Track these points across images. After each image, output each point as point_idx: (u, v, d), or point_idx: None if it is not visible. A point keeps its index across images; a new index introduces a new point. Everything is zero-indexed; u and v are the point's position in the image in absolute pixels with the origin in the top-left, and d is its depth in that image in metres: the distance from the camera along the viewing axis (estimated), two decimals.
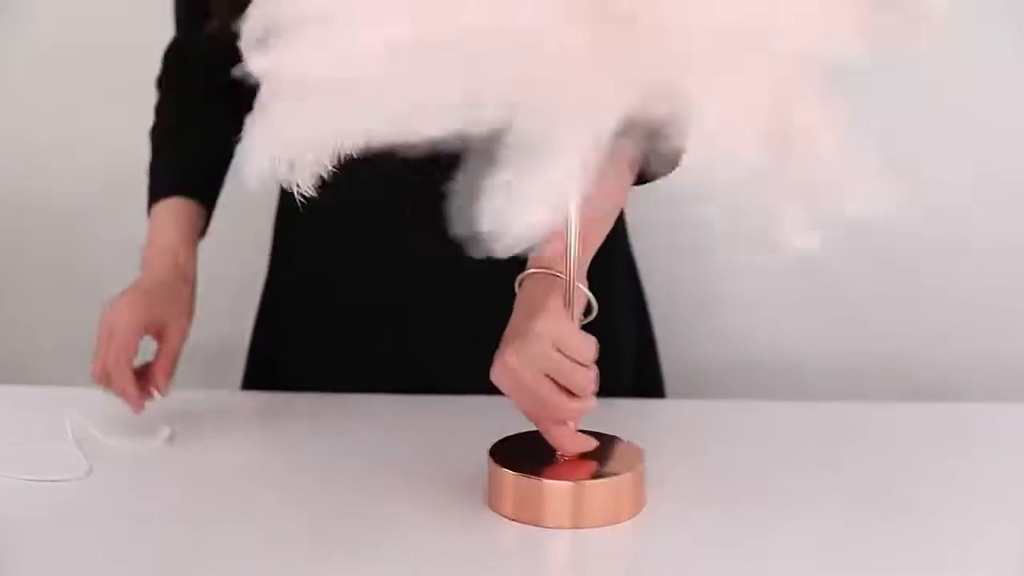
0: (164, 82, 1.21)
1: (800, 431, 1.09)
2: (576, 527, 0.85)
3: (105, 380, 1.03)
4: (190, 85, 1.18)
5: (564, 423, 0.86)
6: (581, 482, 0.85)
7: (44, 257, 1.62)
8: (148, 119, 1.20)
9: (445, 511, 0.88)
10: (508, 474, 0.86)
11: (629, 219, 1.23)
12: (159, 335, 1.06)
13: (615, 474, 0.86)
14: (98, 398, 1.04)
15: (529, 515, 0.85)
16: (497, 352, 0.86)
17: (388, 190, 1.06)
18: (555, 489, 0.85)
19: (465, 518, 0.87)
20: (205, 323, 1.13)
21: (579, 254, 0.87)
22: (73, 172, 1.57)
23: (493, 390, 0.86)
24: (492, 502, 0.88)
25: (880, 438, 1.07)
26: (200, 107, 1.16)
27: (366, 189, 1.04)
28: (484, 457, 0.89)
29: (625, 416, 1.08)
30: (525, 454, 0.88)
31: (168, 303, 1.07)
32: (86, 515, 0.89)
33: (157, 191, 1.14)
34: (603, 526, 0.85)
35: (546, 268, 0.88)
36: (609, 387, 1.14)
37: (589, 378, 0.84)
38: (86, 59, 1.53)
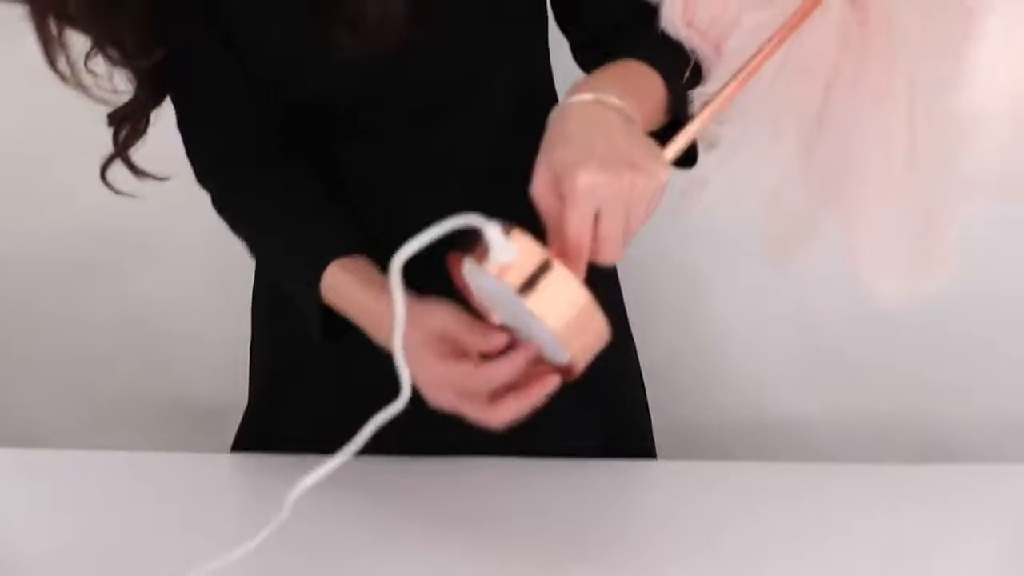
0: (232, 197, 1.11)
1: (798, 492, 1.08)
2: (525, 291, 0.77)
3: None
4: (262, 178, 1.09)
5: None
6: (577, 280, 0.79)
7: (36, 315, 1.62)
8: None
9: None
10: (530, 243, 0.78)
11: (626, 284, 1.24)
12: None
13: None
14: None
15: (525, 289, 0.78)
16: (599, 159, 0.79)
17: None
18: (563, 273, 0.78)
19: None
20: (197, 382, 1.13)
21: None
22: (73, 230, 1.58)
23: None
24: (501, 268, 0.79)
25: (882, 500, 1.06)
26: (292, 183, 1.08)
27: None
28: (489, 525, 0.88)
29: (615, 477, 1.08)
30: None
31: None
32: None
33: (312, 270, 1.01)
34: (546, 323, 0.78)
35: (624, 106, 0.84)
36: (612, 446, 1.15)
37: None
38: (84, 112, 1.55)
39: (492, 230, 0.77)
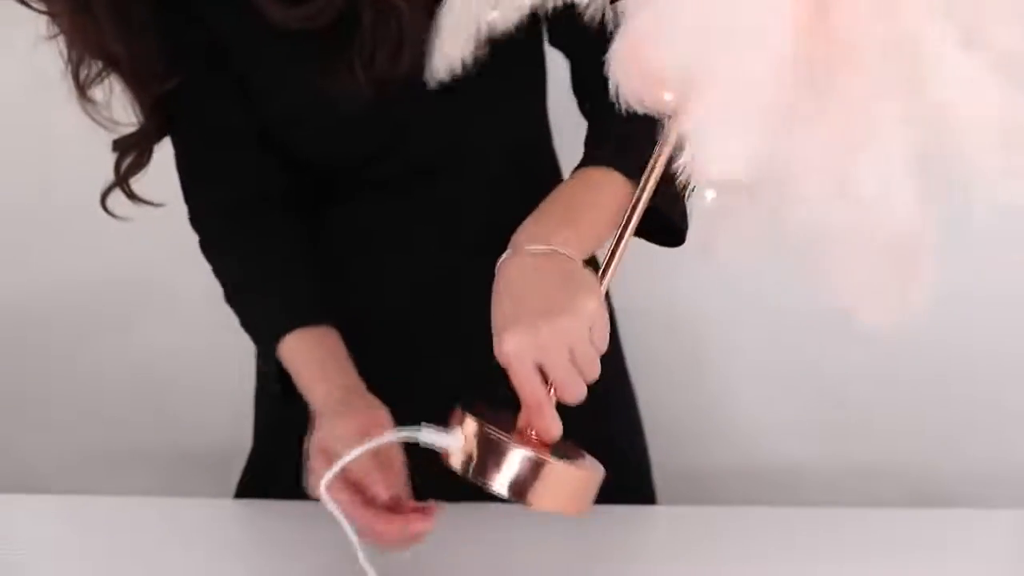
0: (218, 243, 1.13)
1: (794, 538, 1.08)
2: (518, 497, 0.82)
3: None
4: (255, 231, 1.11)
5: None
6: (544, 457, 0.82)
7: (45, 366, 1.64)
8: (155, 227, 1.20)
9: None
10: (475, 426, 0.83)
11: (628, 333, 1.25)
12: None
13: (575, 466, 0.84)
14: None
15: (479, 470, 0.82)
16: (516, 322, 0.83)
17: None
18: (518, 454, 0.81)
19: None
20: (202, 431, 1.14)
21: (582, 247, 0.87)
22: (80, 281, 1.60)
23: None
24: (454, 457, 0.84)
25: (877, 545, 1.07)
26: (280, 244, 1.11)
27: None
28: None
29: (617, 522, 1.09)
30: (493, 421, 0.85)
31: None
32: None
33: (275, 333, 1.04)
34: (546, 509, 0.82)
35: (563, 248, 0.86)
36: (612, 492, 1.16)
37: (599, 367, 0.84)
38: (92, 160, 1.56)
39: (428, 435, 0.84)
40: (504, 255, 0.88)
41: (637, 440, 1.26)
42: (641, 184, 0.82)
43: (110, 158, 1.14)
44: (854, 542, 1.07)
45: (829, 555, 1.04)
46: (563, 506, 0.85)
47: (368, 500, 0.91)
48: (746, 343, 1.57)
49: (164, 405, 1.62)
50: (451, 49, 0.78)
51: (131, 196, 1.12)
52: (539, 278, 0.85)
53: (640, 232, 0.92)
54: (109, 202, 1.13)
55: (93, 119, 1.07)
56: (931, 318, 1.53)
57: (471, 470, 0.83)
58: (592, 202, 0.91)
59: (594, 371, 0.84)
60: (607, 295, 1.18)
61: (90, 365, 1.62)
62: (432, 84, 0.80)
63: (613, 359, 1.23)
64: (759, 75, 0.68)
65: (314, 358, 1.02)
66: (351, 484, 0.90)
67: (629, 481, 1.22)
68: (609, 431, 1.18)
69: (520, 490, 0.82)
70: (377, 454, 0.93)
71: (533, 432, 0.85)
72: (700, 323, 1.57)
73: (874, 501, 1.51)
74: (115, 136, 1.10)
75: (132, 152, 1.10)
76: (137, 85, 1.05)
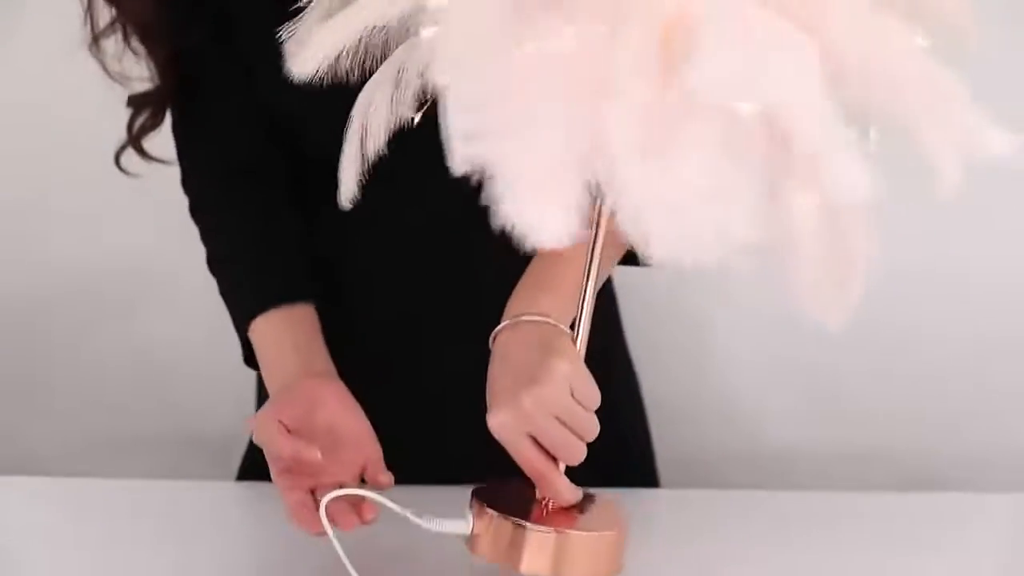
0: (205, 207, 1.13)
1: (797, 521, 1.09)
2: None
3: None
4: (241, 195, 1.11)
5: (561, 471, 0.86)
6: (565, 531, 0.84)
7: (48, 354, 1.64)
8: (154, 216, 1.21)
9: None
10: (493, 515, 0.85)
11: (632, 321, 1.26)
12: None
13: (598, 529, 0.85)
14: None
15: (507, 558, 0.84)
16: (499, 398, 0.85)
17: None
18: (538, 535, 0.83)
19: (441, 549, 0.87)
20: (206, 415, 1.14)
21: (570, 311, 0.87)
22: (75, 267, 1.60)
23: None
24: (470, 541, 0.86)
25: (878, 528, 1.07)
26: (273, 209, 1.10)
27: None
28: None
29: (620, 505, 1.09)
30: (508, 500, 0.87)
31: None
32: None
33: (249, 311, 1.05)
34: None
35: (542, 317, 0.87)
36: (616, 476, 1.16)
37: (595, 423, 0.85)
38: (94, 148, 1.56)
39: (436, 524, 0.86)
40: (498, 327, 0.89)
41: (641, 426, 1.27)
42: (588, 252, 0.84)
43: (111, 148, 1.15)
44: (850, 526, 1.07)
45: (826, 539, 1.05)
46: (597, 571, 0.85)
47: (287, 469, 0.91)
48: (746, 331, 1.58)
49: (166, 390, 1.62)
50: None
51: (143, 154, 1.12)
52: (521, 349, 0.86)
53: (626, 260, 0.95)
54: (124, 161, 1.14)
55: (104, 70, 1.07)
56: (925, 304, 1.56)
57: (497, 558, 0.84)
58: (575, 256, 0.90)
59: (589, 429, 0.84)
60: (609, 283, 1.19)
61: (93, 351, 1.62)
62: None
63: (617, 347, 1.23)
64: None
65: (277, 349, 1.02)
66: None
67: (633, 465, 1.23)
68: (614, 418, 1.18)
69: (550, 568, 0.83)
70: (333, 441, 0.93)
71: (550, 503, 0.87)
72: (701, 311, 1.57)
73: (870, 485, 1.51)
74: (129, 93, 1.11)
75: (146, 110, 1.10)
76: (148, 40, 1.05)
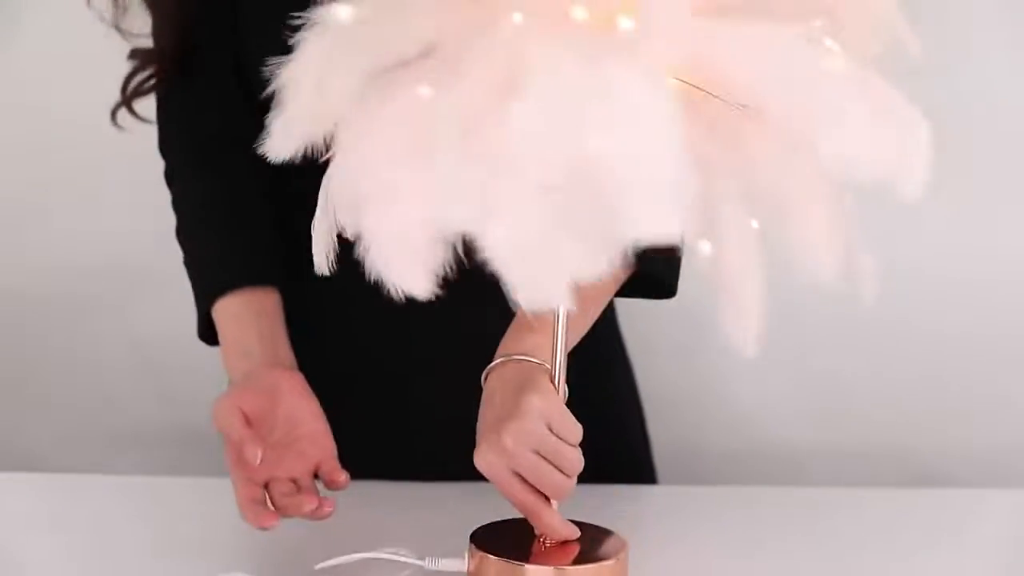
0: (178, 171, 1.13)
1: (792, 517, 1.09)
2: None
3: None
4: (215, 163, 1.10)
5: (552, 507, 0.87)
6: (564, 568, 0.85)
7: (44, 349, 1.63)
8: (148, 210, 1.20)
9: None
10: (491, 559, 0.86)
11: (629, 315, 1.26)
12: None
13: (597, 561, 0.86)
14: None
15: None
16: (483, 437, 0.87)
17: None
18: (538, 574, 0.85)
19: None
20: (203, 410, 1.14)
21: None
22: (70, 262, 1.60)
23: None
24: None
25: (874, 524, 1.07)
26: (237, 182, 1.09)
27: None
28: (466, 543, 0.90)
29: (617, 501, 1.09)
30: (505, 541, 0.88)
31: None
32: None
33: (214, 289, 1.05)
34: None
35: (526, 356, 0.89)
36: (614, 472, 1.16)
37: (579, 458, 0.85)
38: (81, 151, 1.56)
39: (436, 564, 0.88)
40: (488, 367, 0.91)
41: (637, 421, 1.27)
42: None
43: (109, 140, 1.15)
44: (851, 522, 1.08)
45: (827, 535, 1.05)
46: None
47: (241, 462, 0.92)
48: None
49: (163, 386, 1.62)
50: None
51: (134, 113, 1.13)
52: (505, 388, 0.88)
53: (630, 292, 0.98)
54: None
55: (102, 19, 1.08)
56: (929, 300, 1.56)
57: None
58: None
59: (571, 463, 0.85)
60: None
61: (89, 346, 1.61)
62: None
63: (613, 343, 1.23)
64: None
65: (240, 334, 1.02)
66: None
67: (630, 462, 1.23)
68: (610, 413, 1.19)
69: None
70: (287, 433, 0.95)
71: (547, 539, 0.88)
72: (698, 307, 1.57)
73: (872, 481, 1.51)
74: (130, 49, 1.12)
75: (146, 69, 1.10)
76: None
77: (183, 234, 1.10)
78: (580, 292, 0.91)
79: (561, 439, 0.84)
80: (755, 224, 0.74)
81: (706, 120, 0.71)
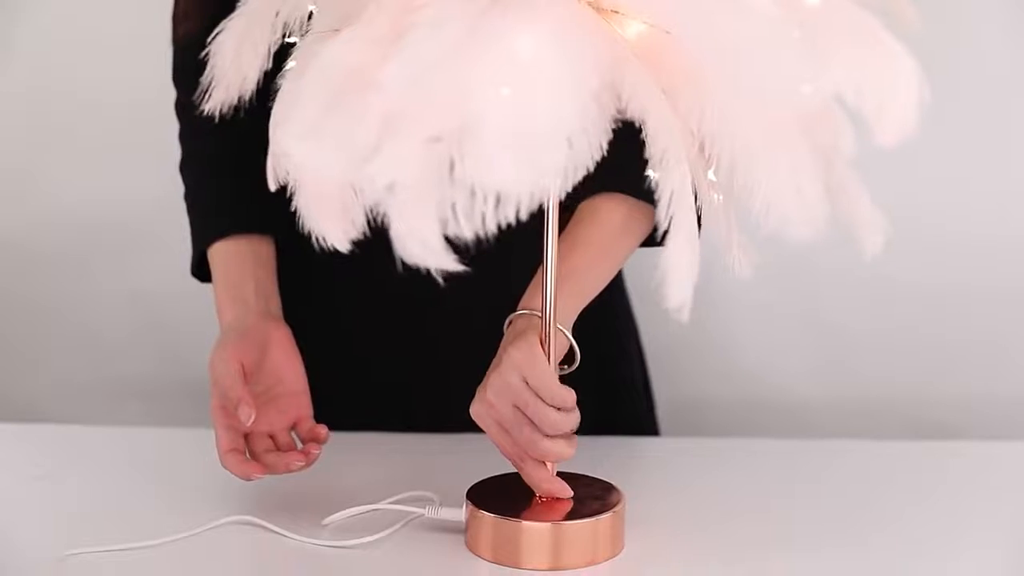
0: (193, 129, 1.11)
1: (795, 469, 1.09)
2: (554, 568, 0.85)
3: None
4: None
5: (541, 463, 0.86)
6: (559, 523, 0.85)
7: (45, 302, 1.63)
8: (150, 168, 1.19)
9: (424, 551, 0.88)
10: (486, 516, 0.86)
11: (632, 270, 1.24)
12: None
13: (593, 515, 0.86)
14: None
15: (507, 557, 0.85)
16: (480, 388, 0.87)
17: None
18: (533, 530, 0.84)
19: (443, 558, 0.87)
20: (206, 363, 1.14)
21: (572, 301, 0.89)
22: (72, 216, 1.59)
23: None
24: (470, 543, 0.88)
25: (877, 476, 1.07)
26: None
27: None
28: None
29: (619, 454, 1.09)
30: (503, 495, 0.88)
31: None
32: None
33: (214, 230, 1.05)
34: (582, 567, 0.85)
35: (530, 309, 0.89)
36: (620, 422, 1.16)
37: (562, 419, 0.85)
38: (83, 108, 1.55)
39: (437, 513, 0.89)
40: (508, 318, 0.91)
41: (640, 373, 1.26)
42: (545, 245, 0.85)
43: (111, 93, 1.13)
44: (856, 475, 1.07)
45: (830, 487, 1.04)
46: (598, 555, 0.86)
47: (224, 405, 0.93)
48: (750, 281, 1.57)
49: (164, 338, 1.62)
50: None
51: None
52: (506, 340, 0.89)
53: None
54: None
55: None
56: (934, 252, 1.54)
57: (497, 558, 0.85)
58: (579, 241, 0.93)
59: (551, 422, 0.84)
60: None
61: (90, 299, 1.61)
62: None
63: (616, 296, 1.22)
64: None
65: (238, 279, 1.02)
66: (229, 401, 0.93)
67: (633, 414, 1.22)
68: (613, 365, 1.18)
69: (549, 560, 0.84)
70: (270, 388, 0.96)
71: (541, 497, 0.88)
72: (702, 259, 1.56)
73: (875, 433, 1.51)
74: None
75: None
76: None
77: (183, 172, 1.09)
78: (599, 242, 0.93)
79: (540, 397, 0.84)
80: (712, 176, 0.78)
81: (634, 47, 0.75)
